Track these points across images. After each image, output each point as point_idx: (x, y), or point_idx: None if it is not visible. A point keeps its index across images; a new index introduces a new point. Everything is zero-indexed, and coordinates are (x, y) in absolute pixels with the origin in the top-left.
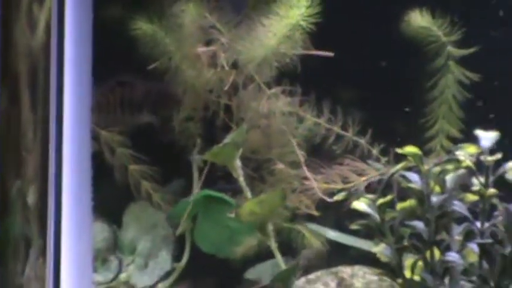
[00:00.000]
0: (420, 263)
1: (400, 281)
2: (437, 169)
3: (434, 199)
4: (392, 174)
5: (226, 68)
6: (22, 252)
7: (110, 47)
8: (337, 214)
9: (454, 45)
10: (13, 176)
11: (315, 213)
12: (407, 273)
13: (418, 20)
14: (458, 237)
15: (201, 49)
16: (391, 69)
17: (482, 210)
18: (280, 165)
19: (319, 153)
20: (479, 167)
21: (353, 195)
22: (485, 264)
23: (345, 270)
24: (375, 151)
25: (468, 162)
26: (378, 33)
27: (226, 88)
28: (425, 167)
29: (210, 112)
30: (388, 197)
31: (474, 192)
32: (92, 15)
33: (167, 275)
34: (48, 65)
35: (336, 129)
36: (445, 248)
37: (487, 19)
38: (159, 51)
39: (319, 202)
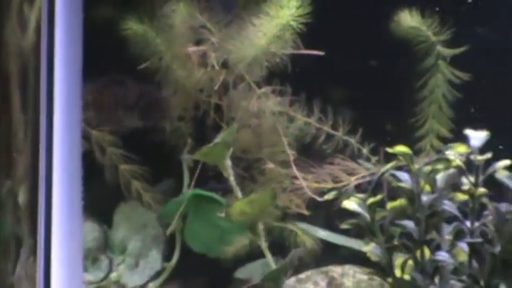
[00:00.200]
0: (410, 262)
1: (390, 280)
2: (427, 168)
3: (424, 198)
4: (383, 174)
5: (217, 67)
6: (13, 252)
7: (100, 47)
8: (328, 213)
9: (443, 44)
10: (4, 175)
11: (306, 212)
12: (398, 273)
13: (408, 20)
14: (448, 237)
15: (192, 49)
16: (381, 68)
17: (472, 209)
18: (270, 165)
19: (310, 152)
20: (469, 166)
21: (343, 194)
22: (475, 264)
23: (335, 270)
24: (365, 150)
25: (458, 162)
26: (368, 33)
27: (216, 88)
28: (416, 167)
29: (200, 112)
30: (379, 197)
31: (464, 192)
32: (82, 15)
33: (157, 274)
34: (39, 65)
35: (326, 128)
36: (435, 247)
37: (476, 18)
38: (149, 51)
39: (310, 201)
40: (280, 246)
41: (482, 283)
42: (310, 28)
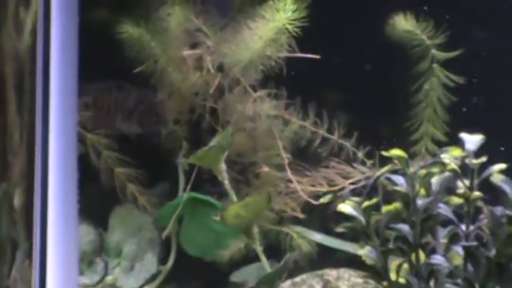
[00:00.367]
0: (405, 266)
1: (385, 283)
2: (422, 172)
3: (419, 202)
4: (378, 177)
5: (212, 71)
6: (8, 255)
7: (96, 50)
8: (323, 217)
9: (438, 48)
10: None
11: (301, 215)
12: (393, 276)
13: (402, 23)
14: (443, 240)
15: (187, 52)
16: (376, 72)
17: (467, 213)
18: (265, 168)
19: (305, 156)
20: (464, 170)
21: (339, 197)
22: (470, 267)
23: (331, 273)
24: (360, 154)
25: (453, 165)
26: (363, 37)
27: (212, 91)
28: (411, 170)
29: (195, 115)
30: (374, 200)
31: (459, 195)
32: (78, 18)
33: (153, 277)
34: (34, 68)
35: (322, 132)
36: (430, 251)
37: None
38: (145, 55)
39: (305, 205)
40: (276, 249)
41: (477, 286)
42: (305, 31)
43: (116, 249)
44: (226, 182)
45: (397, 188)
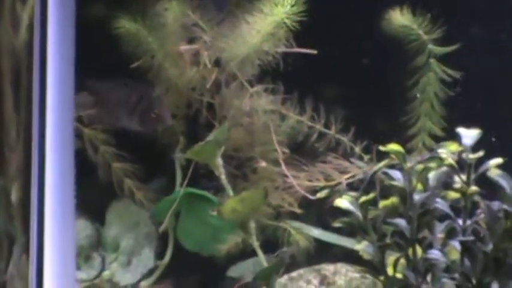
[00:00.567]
0: (402, 261)
1: (382, 278)
2: (419, 167)
3: (416, 197)
4: (375, 172)
5: (209, 66)
6: (5, 250)
7: (92, 45)
8: (320, 212)
9: (434, 43)
10: None
11: (298, 210)
12: (390, 271)
13: (399, 18)
14: (440, 235)
15: (184, 47)
16: (373, 67)
17: (464, 207)
18: (262, 163)
19: (302, 151)
20: (461, 164)
21: (336, 192)
22: (467, 262)
23: (328, 268)
24: (357, 149)
25: (450, 160)
26: (360, 32)
27: (208, 86)
28: (408, 165)
29: (192, 110)
30: (371, 195)
31: (456, 190)
32: (74, 13)
33: (150, 272)
34: (31, 63)
35: (319, 127)
36: (427, 246)
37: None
38: (142, 50)
39: (302, 200)
40: (273, 244)
41: (474, 281)
42: (303, 26)
43: (113, 244)
44: (223, 177)
45: (394, 183)
